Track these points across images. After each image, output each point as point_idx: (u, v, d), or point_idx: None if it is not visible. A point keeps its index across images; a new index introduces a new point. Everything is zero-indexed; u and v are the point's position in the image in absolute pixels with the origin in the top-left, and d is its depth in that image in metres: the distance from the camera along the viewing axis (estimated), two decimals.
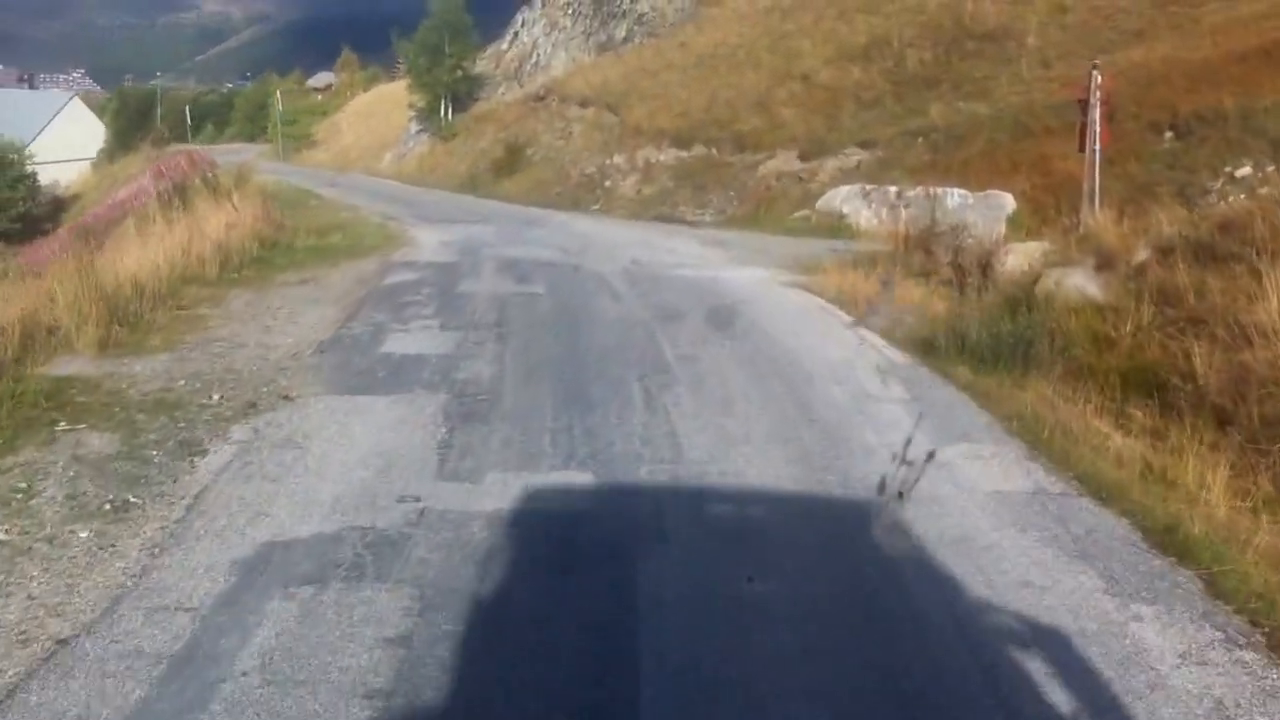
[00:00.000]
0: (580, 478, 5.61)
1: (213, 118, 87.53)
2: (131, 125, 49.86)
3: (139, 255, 11.63)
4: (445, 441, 6.14)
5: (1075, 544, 4.80)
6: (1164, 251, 9.16)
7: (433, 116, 37.93)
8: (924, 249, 12.61)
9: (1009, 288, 11.11)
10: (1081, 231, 12.43)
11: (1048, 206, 18.42)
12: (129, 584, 4.29)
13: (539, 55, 37.53)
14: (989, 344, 8.18)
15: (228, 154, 62.68)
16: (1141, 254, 9.61)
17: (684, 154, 25.88)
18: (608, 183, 26.34)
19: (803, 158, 24.12)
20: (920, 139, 22.96)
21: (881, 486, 5.45)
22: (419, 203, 25.03)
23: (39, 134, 59.77)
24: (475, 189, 29.74)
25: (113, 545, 4.67)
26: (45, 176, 55.23)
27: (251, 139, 70.94)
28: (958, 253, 11.83)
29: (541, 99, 33.15)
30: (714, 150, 25.65)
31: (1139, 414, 7.14)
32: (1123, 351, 8.10)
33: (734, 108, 26.89)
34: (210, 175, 23.48)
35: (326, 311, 9.66)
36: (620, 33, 35.09)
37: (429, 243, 16.10)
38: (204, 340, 8.42)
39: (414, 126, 39.72)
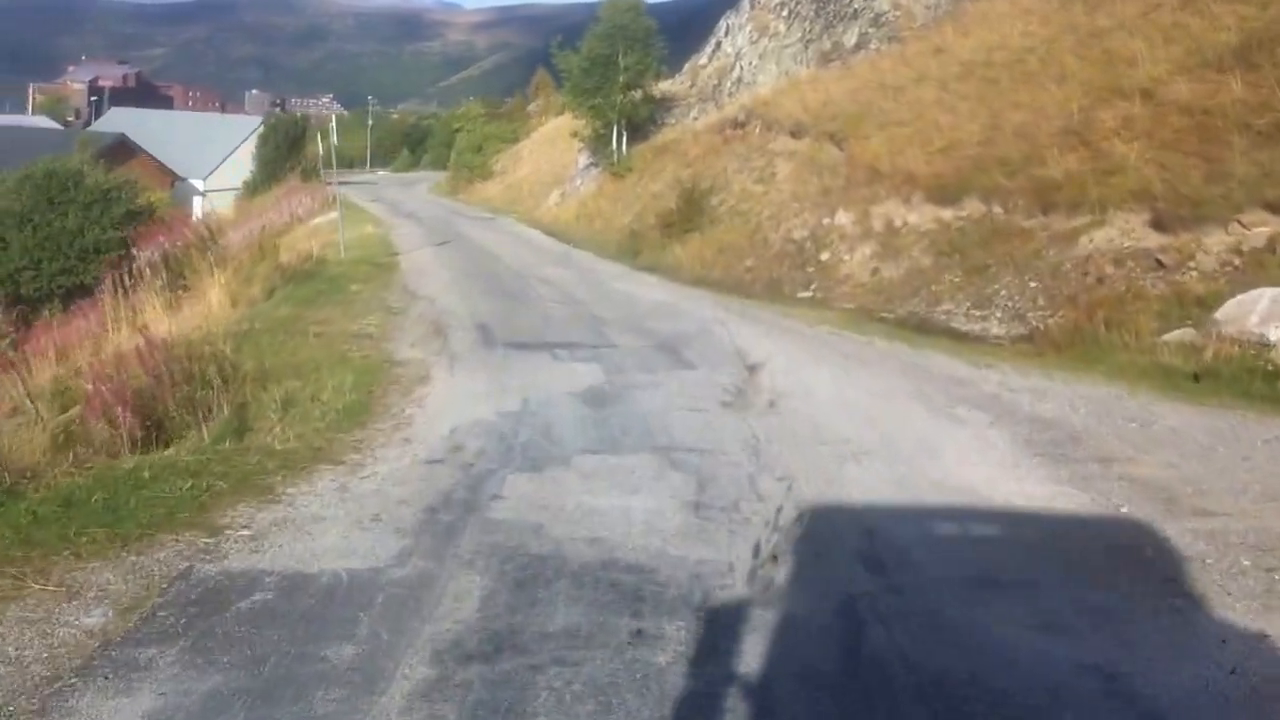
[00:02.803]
0: None
1: (425, 143, 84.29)
2: (280, 155, 44.72)
3: None
4: None
5: None
6: None
7: (603, 148, 29.76)
8: None
9: None
10: None
11: None
12: None
13: (742, 69, 28.71)
14: None
15: (394, 185, 57.54)
16: None
17: (948, 213, 16.37)
18: (825, 255, 17.18)
19: (1160, 225, 14.08)
20: None
21: None
22: (528, 288, 16.41)
23: (223, 161, 56.63)
24: (634, 254, 21.19)
25: None
26: (211, 206, 51.65)
27: (444, 166, 66.16)
28: None
29: (739, 126, 24.33)
30: (999, 208, 16.01)
31: None
32: None
33: (1030, 139, 17.09)
34: (212, 243, 16.33)
35: None
36: (850, 38, 25.82)
37: (394, 460, 7.40)
38: None
39: (582, 159, 31.70)
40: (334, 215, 30.23)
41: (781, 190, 19.98)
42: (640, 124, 29.68)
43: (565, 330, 12.47)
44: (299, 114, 65.83)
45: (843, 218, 17.52)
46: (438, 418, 8.31)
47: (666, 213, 21.78)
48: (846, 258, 16.82)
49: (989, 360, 11.72)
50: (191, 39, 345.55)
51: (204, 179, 56.08)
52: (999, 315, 14.31)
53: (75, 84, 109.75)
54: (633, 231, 22.87)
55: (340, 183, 57.78)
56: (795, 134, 21.42)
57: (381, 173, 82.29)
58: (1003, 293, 14.69)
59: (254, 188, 43.59)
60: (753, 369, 10.43)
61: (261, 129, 49.98)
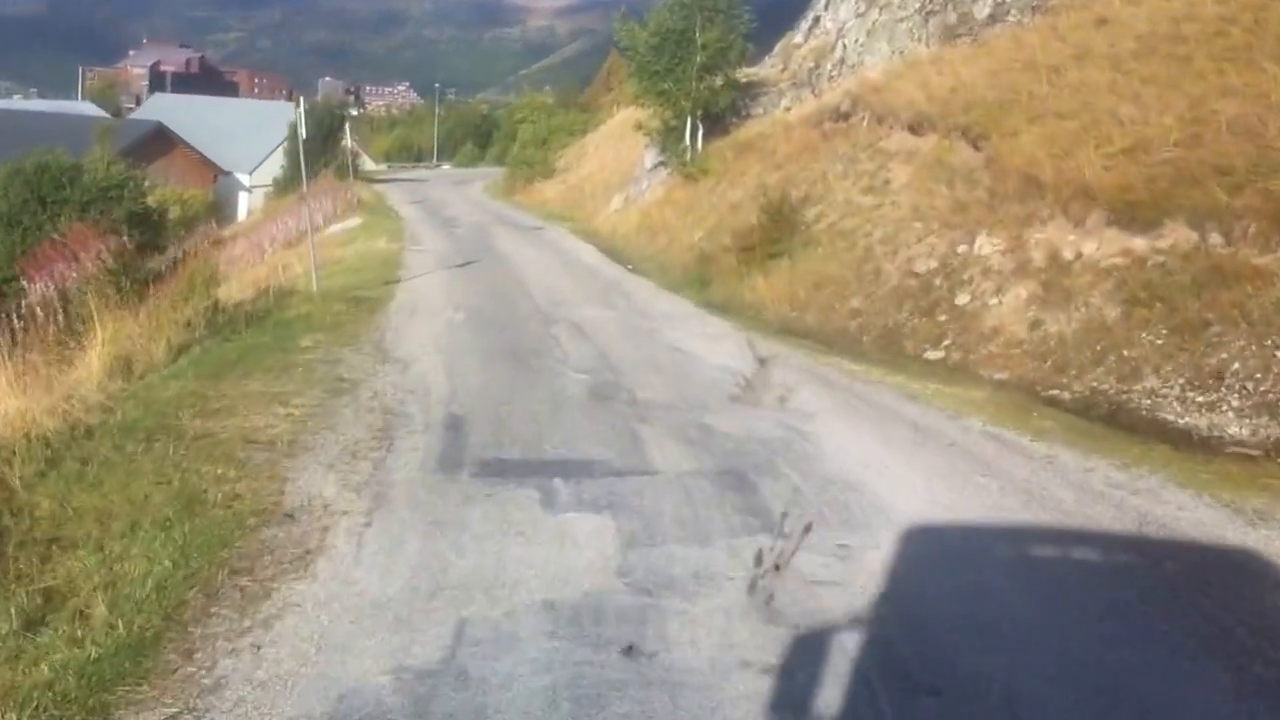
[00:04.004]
0: None
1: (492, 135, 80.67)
2: (312, 149, 41.24)
3: None
4: None
5: None
6: None
7: (674, 144, 25.24)
8: None
9: None
10: None
11: None
12: None
13: (845, 48, 24.05)
14: None
15: (446, 183, 53.68)
16: None
17: (1141, 242, 11.64)
18: (962, 297, 12.60)
19: None
20: None
21: None
22: (549, 344, 11.75)
23: (270, 154, 53.42)
24: (703, 283, 16.79)
25: None
26: (254, 205, 48.61)
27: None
28: None
29: (842, 117, 19.79)
30: (1217, 236, 11.26)
31: None
32: None
33: (1255, 138, 12.31)
34: (120, 271, 12.53)
35: None
36: (983, 9, 21.09)
37: None
38: None
39: (649, 157, 27.22)
40: (356, 222, 26.53)
41: (899, 204, 15.40)
42: (719, 115, 25.11)
43: (580, 432, 8.07)
44: (337, 101, 62.47)
45: (986, 245, 12.91)
46: (269, 689, 4.12)
47: (747, 230, 17.25)
48: (993, 302, 12.22)
49: (1257, 501, 7.16)
50: (265, 23, 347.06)
51: (250, 173, 52.77)
52: (1234, 402, 9.65)
53: (135, 69, 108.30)
54: (703, 253, 18.43)
55: (385, 179, 54.37)
56: (915, 128, 16.79)
57: (445, 166, 79.01)
58: (1234, 366, 10.02)
59: (285, 185, 40.04)
60: (874, 531, 6.01)
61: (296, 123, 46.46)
